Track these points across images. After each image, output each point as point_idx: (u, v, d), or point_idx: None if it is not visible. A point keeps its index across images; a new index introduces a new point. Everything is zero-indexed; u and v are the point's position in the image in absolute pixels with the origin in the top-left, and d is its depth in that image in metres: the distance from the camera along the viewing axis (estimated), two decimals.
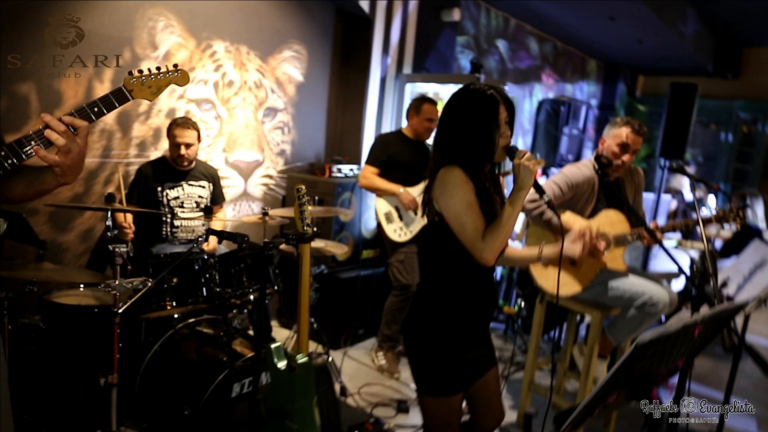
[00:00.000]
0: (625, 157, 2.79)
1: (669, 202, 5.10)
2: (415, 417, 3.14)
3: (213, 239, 3.18)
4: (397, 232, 3.59)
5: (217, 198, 3.39)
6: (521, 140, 6.39)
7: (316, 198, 3.16)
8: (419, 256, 2.48)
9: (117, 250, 2.07)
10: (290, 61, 4.19)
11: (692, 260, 4.10)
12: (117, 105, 1.35)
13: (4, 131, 1.48)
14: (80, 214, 3.24)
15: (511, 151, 1.77)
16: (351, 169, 4.21)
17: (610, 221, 2.86)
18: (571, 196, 2.82)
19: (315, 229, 2.12)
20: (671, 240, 4.09)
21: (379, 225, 3.66)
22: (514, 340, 4.12)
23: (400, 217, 3.60)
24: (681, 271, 2.00)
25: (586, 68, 8.42)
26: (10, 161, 1.26)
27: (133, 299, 2.11)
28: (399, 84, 4.64)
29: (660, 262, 4.58)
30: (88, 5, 3.06)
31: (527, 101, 6.81)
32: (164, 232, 3.18)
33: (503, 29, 6.39)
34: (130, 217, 3.02)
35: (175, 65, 1.44)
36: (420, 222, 3.58)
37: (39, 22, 2.79)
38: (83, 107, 1.30)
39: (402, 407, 3.19)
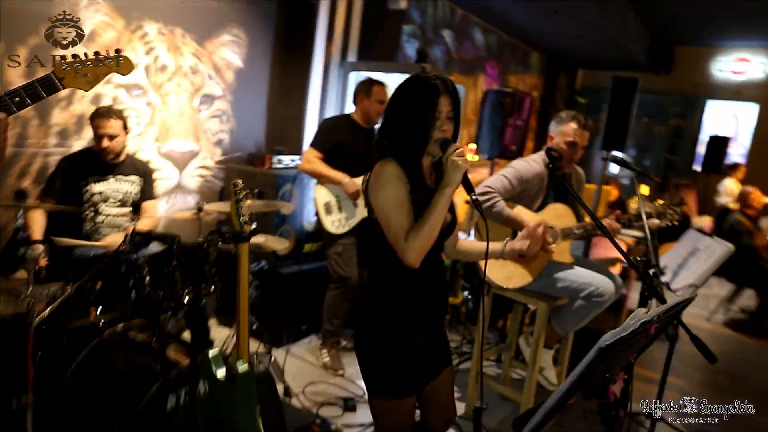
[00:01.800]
0: (576, 153, 2.85)
1: (608, 193, 5.23)
2: (362, 415, 3.06)
3: (118, 236, 2.92)
4: (335, 223, 3.46)
5: (147, 194, 3.13)
6: (466, 131, 6.39)
7: (256, 191, 2.99)
8: (359, 250, 2.38)
9: (30, 253, 1.85)
10: (229, 46, 3.97)
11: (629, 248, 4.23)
12: (45, 95, 1.20)
13: None
14: None
15: (444, 145, 1.69)
16: (292, 160, 4.04)
17: (558, 214, 2.89)
18: (521, 191, 2.81)
19: (254, 226, 1.97)
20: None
21: (317, 215, 3.52)
22: (461, 332, 4.11)
23: (340, 208, 3.47)
24: (631, 264, 2.00)
25: (528, 60, 8.54)
26: None
27: (50, 308, 1.89)
28: (343, 72, 4.49)
29: (599, 250, 4.68)
30: None
31: (471, 92, 6.82)
32: (85, 230, 2.91)
33: (449, 19, 6.35)
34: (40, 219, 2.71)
35: (117, 50, 1.25)
36: (360, 214, 3.47)
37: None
38: (3, 97, 1.15)
39: (349, 405, 3.10)
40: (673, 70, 8.87)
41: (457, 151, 1.64)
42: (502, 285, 2.86)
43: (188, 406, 2.00)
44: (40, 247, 1.89)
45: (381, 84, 3.50)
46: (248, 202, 2.32)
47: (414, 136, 1.67)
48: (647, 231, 2.44)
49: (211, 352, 1.98)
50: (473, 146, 4.43)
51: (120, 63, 1.23)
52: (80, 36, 1.66)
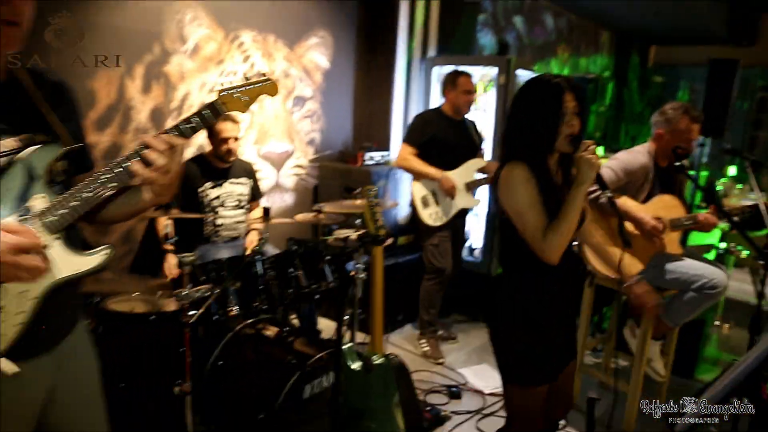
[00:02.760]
0: (691, 147, 2.84)
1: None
2: (467, 402, 3.15)
3: (254, 236, 3.14)
4: (432, 216, 3.54)
5: (256, 194, 3.34)
6: None
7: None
8: (501, 246, 2.44)
9: (185, 259, 2.02)
10: (316, 48, 4.10)
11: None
12: (212, 121, 1.28)
13: None
14: None
15: (575, 142, 1.73)
16: (382, 156, 4.14)
17: (665, 205, 2.87)
18: (626, 182, 2.81)
19: (387, 229, 2.08)
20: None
21: (413, 208, 3.61)
22: None
23: (437, 202, 3.55)
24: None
25: (598, 41, 8.28)
26: (112, 184, 1.19)
27: (204, 306, 2.07)
28: (425, 67, 4.54)
29: (692, 238, 4.56)
30: (118, 1, 2.96)
31: None
32: (206, 233, 3.12)
33: (519, 5, 6.25)
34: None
35: (263, 74, 1.35)
36: (456, 206, 3.54)
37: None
38: (177, 125, 1.24)
39: (454, 393, 3.20)
40: (757, 41, 8.36)
41: (589, 149, 1.68)
42: (609, 275, 2.86)
43: (329, 395, 2.14)
44: (193, 255, 2.05)
45: (467, 74, 3.54)
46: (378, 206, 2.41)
47: (542, 134, 1.73)
48: (766, 218, 2.39)
49: (346, 347, 2.10)
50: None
51: (268, 84, 1.33)
52: (80, 36, 1.71)
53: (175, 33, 3.25)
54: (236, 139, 3.03)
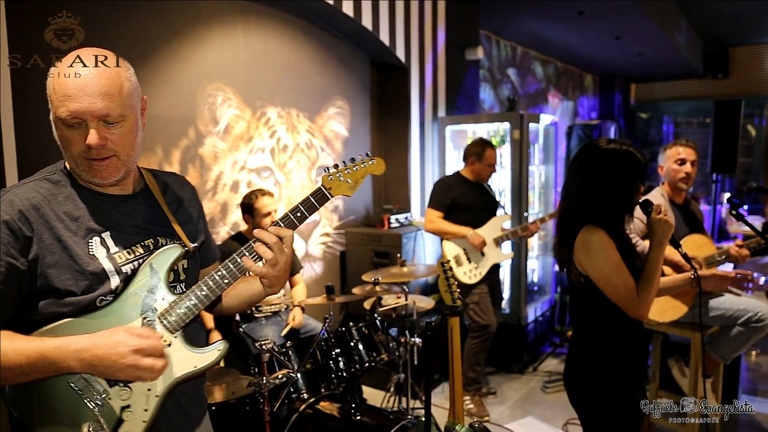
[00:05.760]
0: (687, 167, 2.97)
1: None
2: None
3: (298, 313, 3.13)
4: (467, 274, 3.61)
5: (295, 267, 3.37)
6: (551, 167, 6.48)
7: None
8: (570, 309, 2.48)
9: (263, 346, 2.04)
10: (335, 118, 4.22)
11: None
12: (318, 206, 1.32)
13: None
14: None
15: (646, 206, 1.83)
16: (405, 217, 4.22)
17: (696, 245, 2.96)
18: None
19: (462, 299, 2.12)
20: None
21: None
22: None
23: (469, 259, 3.62)
24: None
25: (584, 83, 8.64)
26: (226, 281, 1.25)
27: (282, 395, 2.07)
28: (437, 127, 4.70)
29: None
30: (155, 91, 3.05)
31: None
32: (249, 310, 3.13)
33: (512, 58, 6.54)
34: None
35: (367, 154, 1.41)
36: (489, 262, 3.61)
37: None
38: (287, 215, 1.29)
39: None
40: (731, 72, 8.80)
41: (663, 210, 1.78)
42: (656, 320, 2.91)
43: None
44: (270, 340, 2.07)
45: (492, 147, 3.69)
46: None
47: (623, 201, 1.82)
48: None
49: (419, 419, 2.10)
50: None
51: (373, 163, 1.37)
52: (79, 35, 1.74)
53: (208, 116, 3.34)
54: (275, 212, 3.08)
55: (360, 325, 2.59)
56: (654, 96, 9.41)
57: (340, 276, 4.34)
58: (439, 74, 4.76)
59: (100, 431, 1.12)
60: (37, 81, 1.51)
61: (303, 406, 2.55)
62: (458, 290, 2.12)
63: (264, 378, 2.05)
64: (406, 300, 2.80)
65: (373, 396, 3.58)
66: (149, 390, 1.17)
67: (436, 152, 4.71)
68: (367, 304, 3.17)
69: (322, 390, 2.42)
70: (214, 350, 1.24)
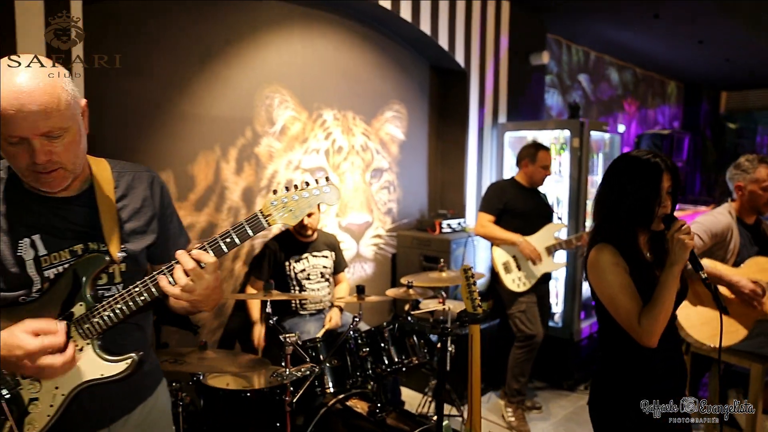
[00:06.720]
0: None
1: None
2: None
3: (335, 314, 3.18)
4: (516, 282, 3.52)
5: (340, 266, 3.43)
6: None
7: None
8: (599, 328, 2.40)
9: (287, 339, 2.10)
10: (392, 121, 4.27)
11: None
12: (252, 234, 1.19)
13: None
14: None
15: (668, 221, 1.69)
16: (459, 223, 4.19)
17: (761, 269, 2.75)
18: (712, 245, 2.73)
19: (484, 307, 2.09)
20: None
21: (495, 275, 3.59)
22: None
23: (519, 267, 3.53)
24: None
25: (666, 91, 8.18)
26: (142, 298, 1.22)
27: (304, 386, 2.13)
28: (497, 133, 4.63)
29: None
30: (215, 93, 3.23)
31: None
32: (293, 306, 3.22)
33: (584, 63, 6.32)
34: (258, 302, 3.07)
35: (327, 179, 1.23)
36: (539, 271, 3.50)
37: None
38: (216, 239, 1.20)
39: None
40: None
41: (683, 228, 1.65)
42: (707, 344, 2.72)
43: None
44: (295, 335, 2.13)
45: (546, 149, 3.58)
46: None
47: (639, 215, 1.71)
48: None
49: (444, 423, 2.09)
50: None
51: (329, 193, 1.19)
52: (79, 36, 1.71)
53: (265, 117, 3.49)
54: (310, 214, 3.15)
55: (391, 326, 2.60)
56: (748, 104, 8.73)
57: (391, 278, 4.37)
58: (500, 79, 4.69)
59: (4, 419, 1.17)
60: None
61: (333, 401, 2.61)
62: (479, 298, 2.08)
63: (287, 369, 2.12)
64: (444, 305, 2.79)
65: (411, 399, 3.57)
66: (57, 388, 1.20)
67: (494, 159, 4.64)
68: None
69: (348, 386, 2.46)
70: (123, 363, 1.22)
